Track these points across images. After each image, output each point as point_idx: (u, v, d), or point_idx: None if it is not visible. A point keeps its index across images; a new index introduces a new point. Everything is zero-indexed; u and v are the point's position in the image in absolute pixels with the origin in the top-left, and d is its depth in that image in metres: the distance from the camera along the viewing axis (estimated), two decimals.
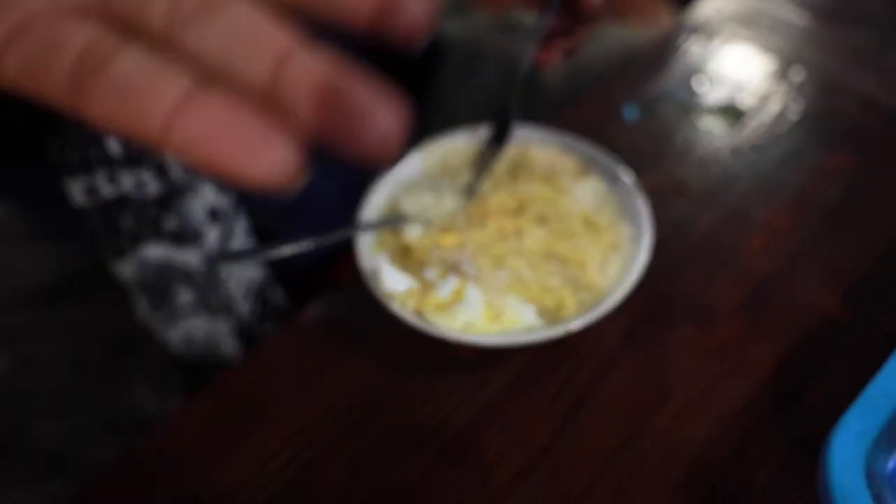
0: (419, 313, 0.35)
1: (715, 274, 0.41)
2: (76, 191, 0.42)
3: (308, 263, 0.53)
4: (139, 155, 0.40)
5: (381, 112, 0.14)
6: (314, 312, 0.42)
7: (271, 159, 0.13)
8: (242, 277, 0.48)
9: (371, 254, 0.37)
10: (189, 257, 0.45)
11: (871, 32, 0.56)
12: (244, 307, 0.48)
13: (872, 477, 0.31)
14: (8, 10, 0.15)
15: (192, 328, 0.48)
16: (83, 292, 0.52)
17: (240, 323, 0.49)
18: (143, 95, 0.14)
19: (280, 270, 0.52)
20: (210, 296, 0.47)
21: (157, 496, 0.35)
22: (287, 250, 0.34)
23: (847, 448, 0.27)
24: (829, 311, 0.40)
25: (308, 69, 0.14)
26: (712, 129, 0.49)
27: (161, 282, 0.45)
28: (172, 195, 0.42)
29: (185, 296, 0.46)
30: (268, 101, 0.14)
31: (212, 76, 0.14)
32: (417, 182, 0.41)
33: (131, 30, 0.15)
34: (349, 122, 0.14)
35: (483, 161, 0.40)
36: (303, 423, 0.37)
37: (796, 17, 0.58)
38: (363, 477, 0.35)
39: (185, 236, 0.44)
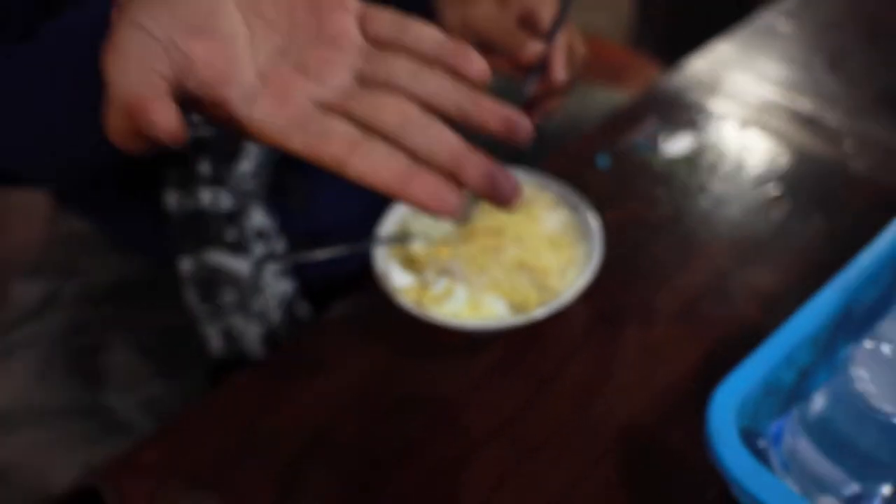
0: (418, 304, 0.46)
1: (659, 287, 0.51)
2: (170, 200, 0.53)
3: (331, 282, 0.63)
4: (222, 176, 0.52)
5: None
6: (336, 309, 0.52)
7: (452, 204, 0.27)
8: (276, 290, 0.58)
9: (384, 260, 0.48)
10: (240, 265, 0.56)
11: (812, 99, 0.66)
12: (276, 315, 0.59)
13: (757, 436, 0.40)
14: (285, 107, 0.27)
15: (230, 326, 0.58)
16: (144, 293, 0.64)
17: (269, 328, 0.59)
18: (382, 168, 0.26)
19: (306, 287, 0.62)
20: (251, 299, 0.58)
21: (192, 457, 0.46)
22: (322, 254, 0.45)
23: (724, 402, 0.37)
24: (750, 319, 0.49)
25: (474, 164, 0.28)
26: (670, 176, 0.60)
27: (212, 280, 0.56)
28: (239, 212, 0.54)
29: (229, 295, 0.57)
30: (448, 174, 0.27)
31: (421, 160, 0.27)
32: None
33: (366, 128, 0.27)
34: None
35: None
36: (323, 392, 0.48)
37: (753, 86, 0.69)
38: (371, 435, 0.45)
39: (241, 247, 0.55)
